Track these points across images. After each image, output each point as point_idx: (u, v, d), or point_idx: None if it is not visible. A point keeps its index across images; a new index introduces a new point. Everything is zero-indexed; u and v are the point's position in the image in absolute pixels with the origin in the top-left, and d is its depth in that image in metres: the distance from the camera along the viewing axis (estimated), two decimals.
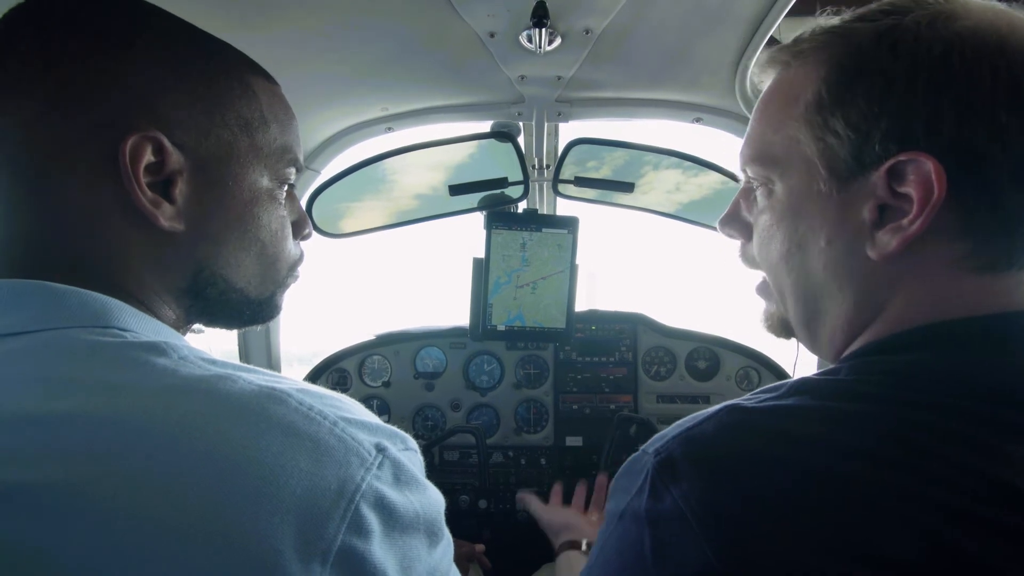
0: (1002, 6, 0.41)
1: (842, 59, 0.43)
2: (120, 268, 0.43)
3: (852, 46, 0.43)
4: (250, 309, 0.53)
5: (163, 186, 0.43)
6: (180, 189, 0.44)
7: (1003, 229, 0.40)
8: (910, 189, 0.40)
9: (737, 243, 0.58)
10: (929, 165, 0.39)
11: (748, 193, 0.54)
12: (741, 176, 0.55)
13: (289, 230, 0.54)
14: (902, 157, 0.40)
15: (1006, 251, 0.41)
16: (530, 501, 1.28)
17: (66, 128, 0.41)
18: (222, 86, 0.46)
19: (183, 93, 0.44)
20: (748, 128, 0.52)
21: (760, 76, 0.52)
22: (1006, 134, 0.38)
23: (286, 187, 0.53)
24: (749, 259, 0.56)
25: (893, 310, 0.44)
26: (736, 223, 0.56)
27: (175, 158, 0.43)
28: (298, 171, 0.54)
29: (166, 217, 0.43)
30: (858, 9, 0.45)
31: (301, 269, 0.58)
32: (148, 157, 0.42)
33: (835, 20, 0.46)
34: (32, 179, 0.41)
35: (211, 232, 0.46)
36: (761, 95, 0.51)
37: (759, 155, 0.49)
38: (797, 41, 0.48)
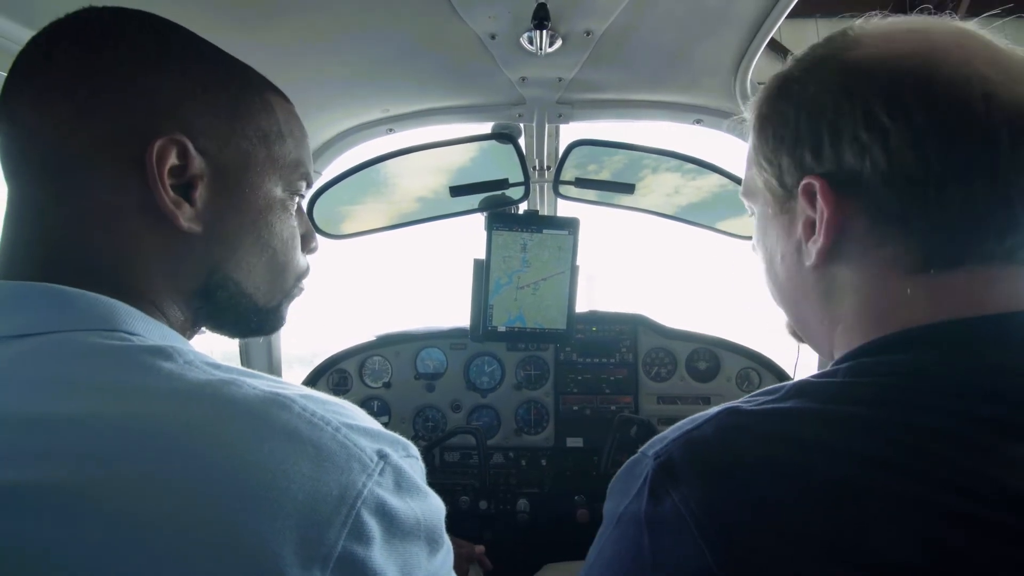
0: (907, 26, 0.45)
1: (760, 106, 0.51)
2: (133, 267, 0.45)
3: (765, 93, 0.51)
4: (257, 317, 0.55)
5: (184, 189, 0.46)
6: (200, 193, 0.46)
7: (927, 227, 0.42)
8: (819, 207, 0.45)
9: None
10: (816, 185, 0.44)
11: None
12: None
13: (298, 241, 0.57)
14: (804, 182, 0.46)
15: (938, 247, 0.42)
16: None
17: (96, 131, 0.43)
18: (244, 100, 0.49)
19: (207, 104, 0.47)
20: None
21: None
22: (869, 151, 0.42)
23: (297, 200, 0.56)
24: None
25: (858, 313, 0.46)
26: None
27: (198, 163, 0.45)
28: (308, 185, 0.57)
29: (186, 218, 0.45)
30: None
31: (306, 283, 0.61)
32: (172, 160, 0.44)
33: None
34: (59, 179, 0.43)
35: (226, 235, 0.49)
36: None
37: (743, 190, 0.58)
38: None
